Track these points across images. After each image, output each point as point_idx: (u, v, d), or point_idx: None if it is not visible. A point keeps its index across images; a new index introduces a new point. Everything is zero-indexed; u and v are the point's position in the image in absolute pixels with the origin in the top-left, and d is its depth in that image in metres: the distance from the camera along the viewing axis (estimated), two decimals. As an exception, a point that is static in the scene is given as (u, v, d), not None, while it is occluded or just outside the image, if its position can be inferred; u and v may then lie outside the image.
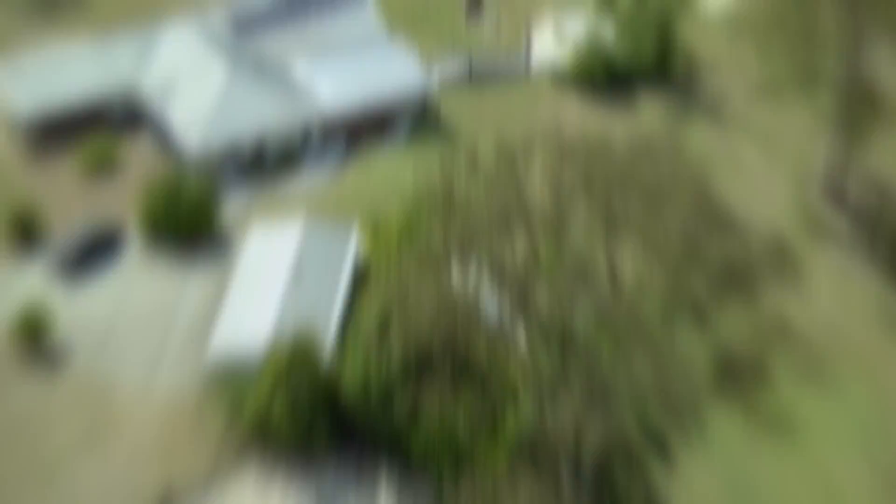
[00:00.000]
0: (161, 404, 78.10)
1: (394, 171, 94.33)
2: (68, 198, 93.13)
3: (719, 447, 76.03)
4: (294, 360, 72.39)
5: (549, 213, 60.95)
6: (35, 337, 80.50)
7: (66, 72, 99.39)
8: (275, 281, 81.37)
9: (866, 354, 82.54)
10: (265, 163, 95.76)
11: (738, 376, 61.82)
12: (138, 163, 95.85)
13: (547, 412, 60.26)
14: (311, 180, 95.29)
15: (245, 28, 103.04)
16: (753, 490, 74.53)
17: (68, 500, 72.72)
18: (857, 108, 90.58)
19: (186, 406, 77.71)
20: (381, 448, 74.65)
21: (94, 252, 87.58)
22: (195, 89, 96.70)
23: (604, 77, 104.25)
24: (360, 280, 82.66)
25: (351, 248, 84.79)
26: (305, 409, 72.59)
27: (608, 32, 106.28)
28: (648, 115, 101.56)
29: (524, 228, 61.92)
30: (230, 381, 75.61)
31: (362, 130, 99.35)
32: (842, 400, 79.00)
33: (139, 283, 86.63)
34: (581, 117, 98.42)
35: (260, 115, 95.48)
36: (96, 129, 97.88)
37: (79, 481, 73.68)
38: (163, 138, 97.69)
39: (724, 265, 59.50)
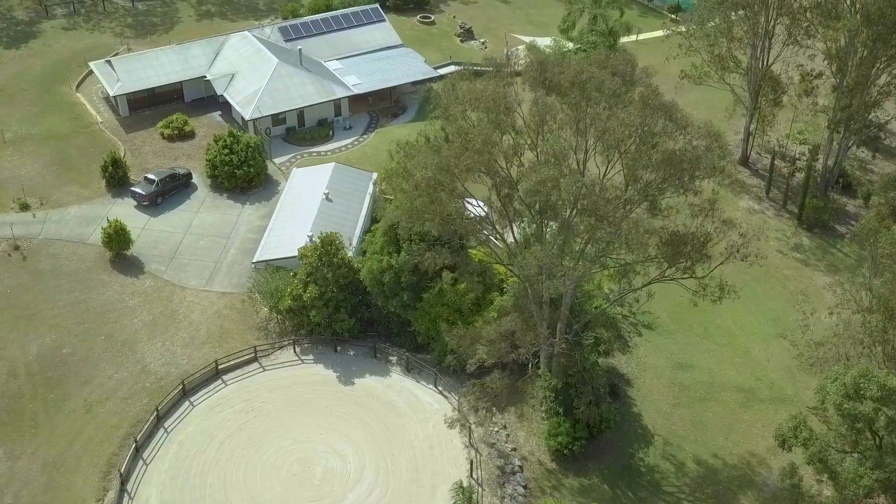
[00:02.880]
0: (215, 300, 68.91)
1: (405, 137, 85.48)
2: (153, 153, 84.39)
3: (663, 337, 68.05)
4: (323, 256, 63.37)
5: (531, 117, 51.86)
6: (120, 248, 71.54)
7: (156, 65, 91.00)
8: (311, 203, 72.54)
9: (771, 267, 73.88)
10: (305, 131, 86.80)
11: (683, 251, 52.28)
12: (206, 131, 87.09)
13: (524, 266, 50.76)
14: (340, 144, 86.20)
15: (291, 37, 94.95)
16: (692, 366, 66.04)
17: (139, 367, 63.49)
18: (763, 93, 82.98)
19: (236, 302, 68.58)
20: (392, 331, 65.73)
21: (170, 191, 78.59)
22: (251, 75, 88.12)
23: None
24: (377, 209, 73.60)
25: (370, 184, 76.03)
26: (332, 295, 63.49)
27: (568, 46, 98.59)
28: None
29: (510, 129, 52.87)
30: (273, 277, 66.55)
31: (381, 109, 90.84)
32: (758, 303, 71.17)
33: (202, 213, 77.45)
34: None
35: (300, 95, 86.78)
36: (177, 105, 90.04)
37: (148, 353, 64.48)
38: (225, 112, 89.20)
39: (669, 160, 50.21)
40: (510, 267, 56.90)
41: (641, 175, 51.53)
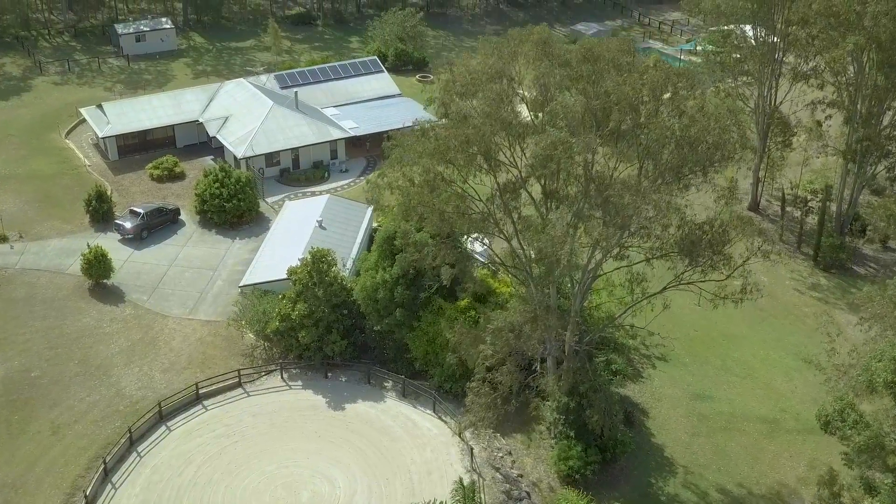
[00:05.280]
0: (199, 327, 64.90)
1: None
2: (140, 193, 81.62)
3: (678, 369, 63.85)
4: (314, 273, 59.70)
5: (536, 98, 49.08)
6: (99, 277, 67.89)
7: (148, 108, 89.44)
8: (303, 230, 69.41)
9: (788, 304, 71.23)
10: (300, 173, 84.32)
11: (702, 240, 48.75)
12: (197, 173, 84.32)
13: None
14: (336, 185, 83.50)
15: (288, 84, 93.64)
16: (711, 397, 61.61)
17: (113, 391, 58.99)
18: (772, 135, 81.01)
19: (221, 329, 64.53)
20: (387, 356, 61.46)
21: (156, 225, 75.46)
22: (245, 117, 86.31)
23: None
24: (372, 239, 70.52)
25: (367, 214, 72.97)
26: (323, 315, 59.48)
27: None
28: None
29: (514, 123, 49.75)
30: (260, 301, 62.78)
31: (378, 155, 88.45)
32: (777, 338, 67.34)
33: (189, 248, 74.12)
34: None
35: (295, 136, 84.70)
36: (168, 150, 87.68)
37: (124, 378, 60.11)
38: (218, 157, 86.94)
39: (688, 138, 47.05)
40: (514, 272, 53.24)
41: (660, 153, 47.92)
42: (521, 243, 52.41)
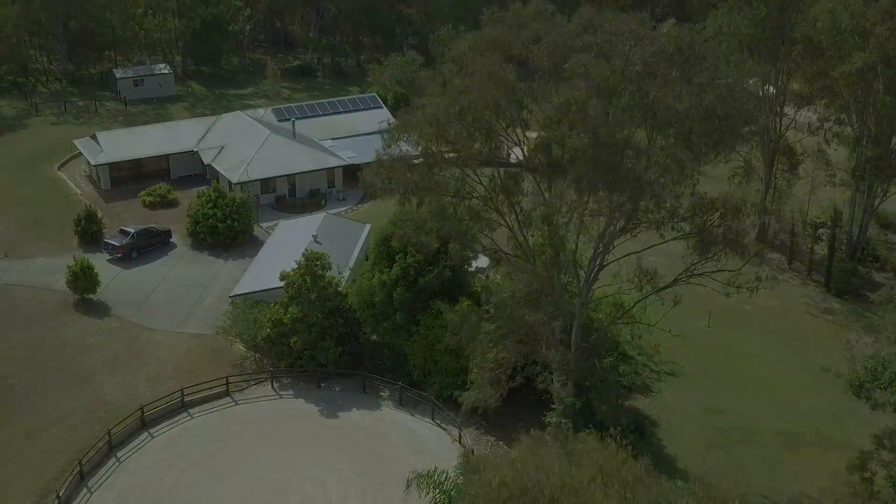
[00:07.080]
0: (187, 340, 62.23)
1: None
2: (132, 219, 79.46)
3: (690, 384, 60.98)
4: (307, 276, 57.28)
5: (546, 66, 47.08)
6: (85, 290, 65.55)
7: (143, 138, 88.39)
8: (298, 244, 67.05)
9: (802, 327, 68.83)
10: (296, 199, 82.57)
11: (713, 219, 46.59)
12: (190, 201, 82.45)
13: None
14: (332, 211, 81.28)
15: (285, 118, 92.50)
16: (725, 411, 58.59)
17: (94, 398, 56.02)
18: (778, 161, 79.57)
19: (209, 342, 61.85)
20: (384, 365, 58.56)
21: (146, 246, 73.30)
22: (241, 145, 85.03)
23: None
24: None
25: (364, 232, 70.91)
26: (316, 320, 56.81)
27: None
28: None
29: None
30: (251, 310, 60.26)
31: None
32: (792, 357, 64.70)
33: (180, 267, 71.87)
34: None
35: (291, 163, 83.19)
36: (162, 181, 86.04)
37: (105, 385, 57.25)
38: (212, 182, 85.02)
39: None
40: (516, 262, 50.80)
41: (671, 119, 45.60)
42: (523, 234, 50.27)
